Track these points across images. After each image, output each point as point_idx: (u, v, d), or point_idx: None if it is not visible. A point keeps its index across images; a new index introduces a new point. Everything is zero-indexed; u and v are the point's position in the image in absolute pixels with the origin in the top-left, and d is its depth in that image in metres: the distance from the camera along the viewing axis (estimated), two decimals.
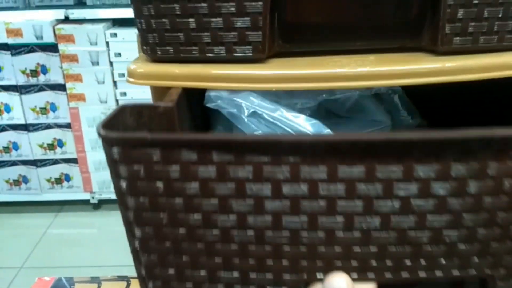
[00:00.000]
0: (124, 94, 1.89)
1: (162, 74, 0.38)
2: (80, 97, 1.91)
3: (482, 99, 0.51)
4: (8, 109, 1.91)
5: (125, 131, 0.31)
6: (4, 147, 1.95)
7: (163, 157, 0.27)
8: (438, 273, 0.30)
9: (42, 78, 1.88)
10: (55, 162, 1.98)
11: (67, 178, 2.00)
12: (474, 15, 0.38)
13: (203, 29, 0.37)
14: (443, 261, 0.29)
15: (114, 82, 1.89)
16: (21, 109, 1.90)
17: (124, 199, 0.29)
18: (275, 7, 0.38)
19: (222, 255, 0.29)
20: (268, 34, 0.38)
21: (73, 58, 1.86)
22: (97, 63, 1.87)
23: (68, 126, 1.94)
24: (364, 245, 0.29)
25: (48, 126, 1.94)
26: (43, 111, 1.92)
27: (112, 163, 0.28)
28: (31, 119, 1.92)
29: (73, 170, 1.98)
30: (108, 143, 0.28)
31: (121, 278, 0.72)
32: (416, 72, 0.37)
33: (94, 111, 1.91)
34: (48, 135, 1.95)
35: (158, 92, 0.41)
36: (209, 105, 0.36)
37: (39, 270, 1.77)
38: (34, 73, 1.87)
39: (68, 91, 1.89)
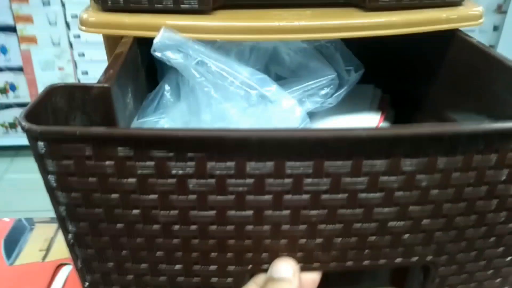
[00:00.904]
0: (78, 36, 1.85)
1: (112, 23, 0.41)
2: (32, 39, 1.85)
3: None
4: None
5: (55, 116, 0.29)
6: None
7: (95, 153, 0.25)
8: (382, 262, 0.31)
9: None
10: (8, 106, 1.95)
11: None
12: None
13: None
14: (387, 250, 0.30)
15: (67, 24, 1.84)
16: None
17: (54, 194, 0.27)
18: None
19: (164, 250, 0.29)
20: None
21: None
22: (48, 3, 1.81)
23: (20, 69, 1.90)
24: (310, 237, 0.29)
25: None
26: None
27: (39, 158, 0.26)
28: None
29: None
30: (32, 137, 0.25)
31: None
32: (346, 27, 0.42)
33: (47, 54, 1.87)
34: None
35: (110, 40, 0.44)
36: (156, 54, 0.39)
37: None
38: None
39: (19, 33, 1.83)
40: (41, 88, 1.88)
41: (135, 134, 0.25)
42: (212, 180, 0.26)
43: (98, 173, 0.26)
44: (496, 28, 1.95)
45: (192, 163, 0.26)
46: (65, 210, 0.28)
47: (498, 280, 0.34)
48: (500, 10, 1.92)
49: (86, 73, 1.89)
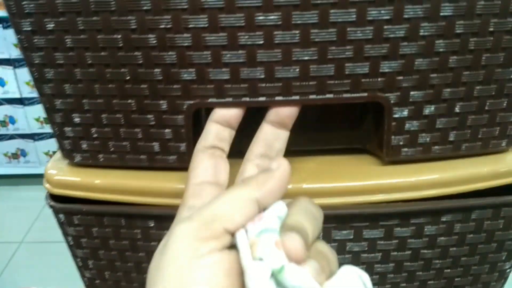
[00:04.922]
0: None
1: (79, 185, 0.35)
2: None
3: None
4: (3, 83, 1.89)
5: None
6: (0, 121, 1.95)
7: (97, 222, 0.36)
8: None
9: None
10: (52, 135, 1.98)
11: None
12: (425, 126, 0.34)
13: (121, 139, 0.34)
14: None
15: None
16: (15, 83, 1.88)
17: (72, 249, 0.39)
18: (200, 116, 0.34)
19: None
20: (194, 143, 0.34)
21: None
22: None
23: None
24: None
25: None
26: None
27: (60, 224, 0.37)
28: (26, 93, 1.90)
29: None
30: (55, 212, 0.37)
31: None
32: (356, 190, 0.34)
33: None
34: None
35: None
36: None
37: (39, 244, 1.80)
38: None
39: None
40: None
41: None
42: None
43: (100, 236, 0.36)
44: None
45: None
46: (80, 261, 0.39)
47: None
48: None
49: None
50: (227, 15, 0.29)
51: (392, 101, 0.32)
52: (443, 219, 0.35)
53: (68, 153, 0.35)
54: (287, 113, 0.31)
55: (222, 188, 0.30)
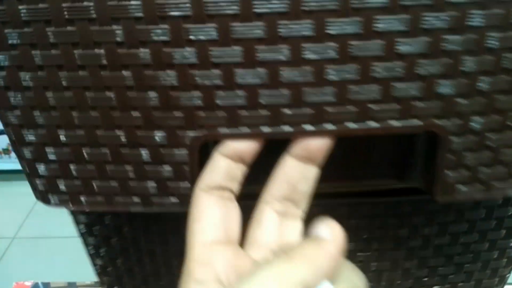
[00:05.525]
0: None
1: None
2: None
3: None
4: None
5: None
6: None
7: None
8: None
9: None
10: None
11: None
12: (488, 160, 0.27)
13: (108, 178, 0.27)
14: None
15: None
16: None
17: (84, 238, 0.35)
18: (207, 146, 0.27)
19: None
20: None
21: None
22: None
23: None
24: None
25: None
26: None
27: (71, 212, 0.34)
28: None
29: None
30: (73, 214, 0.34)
31: (98, 284, 0.71)
32: None
33: None
34: None
35: None
36: None
37: (32, 240, 1.76)
38: None
39: None
40: None
41: None
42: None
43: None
44: None
45: None
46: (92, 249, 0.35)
47: None
48: None
49: None
50: (242, 23, 0.23)
51: (449, 130, 0.26)
52: (454, 207, 0.34)
53: (42, 195, 0.29)
54: (318, 145, 0.25)
55: (234, 246, 0.24)
